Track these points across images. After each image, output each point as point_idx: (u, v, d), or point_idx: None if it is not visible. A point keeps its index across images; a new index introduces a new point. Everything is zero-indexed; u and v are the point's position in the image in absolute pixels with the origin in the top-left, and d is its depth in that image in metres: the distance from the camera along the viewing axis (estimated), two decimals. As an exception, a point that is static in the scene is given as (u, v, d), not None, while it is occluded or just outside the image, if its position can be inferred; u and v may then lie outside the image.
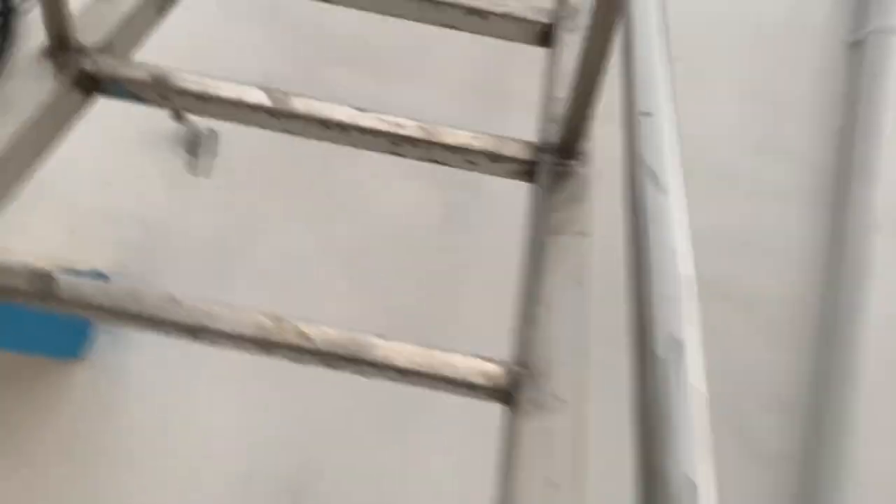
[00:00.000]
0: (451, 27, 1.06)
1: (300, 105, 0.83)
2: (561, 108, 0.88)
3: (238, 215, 1.55)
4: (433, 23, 1.06)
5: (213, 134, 1.56)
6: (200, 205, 1.55)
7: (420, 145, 0.84)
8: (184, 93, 0.83)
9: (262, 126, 0.85)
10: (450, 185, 1.57)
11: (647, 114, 0.42)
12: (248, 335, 0.61)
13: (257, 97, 0.83)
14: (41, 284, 0.65)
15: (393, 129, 0.83)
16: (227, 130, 1.58)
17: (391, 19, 1.09)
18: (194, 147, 1.56)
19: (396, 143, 0.84)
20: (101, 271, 1.49)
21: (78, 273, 1.42)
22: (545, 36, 1.05)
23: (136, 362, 1.47)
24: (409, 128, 0.83)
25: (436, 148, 0.83)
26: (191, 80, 0.83)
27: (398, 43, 1.64)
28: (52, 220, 1.52)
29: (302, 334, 0.61)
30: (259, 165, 1.58)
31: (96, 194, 1.54)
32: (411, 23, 1.08)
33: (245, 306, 0.62)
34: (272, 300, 1.51)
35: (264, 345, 0.62)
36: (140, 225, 1.53)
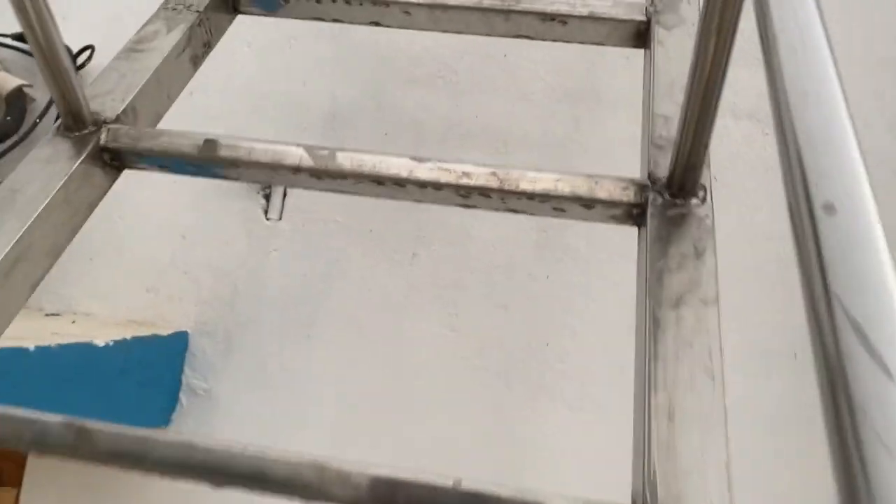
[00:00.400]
0: (527, 38, 0.90)
1: (347, 161, 0.69)
2: (669, 130, 0.70)
3: (318, 258, 1.44)
4: (505, 35, 0.90)
5: (285, 174, 1.46)
6: (279, 250, 1.46)
7: (493, 195, 0.68)
8: (216, 160, 0.71)
9: (307, 187, 0.73)
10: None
11: (830, 207, 0.25)
12: (284, 486, 0.48)
13: (297, 157, 0.70)
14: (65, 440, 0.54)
15: (459, 180, 0.68)
16: (299, 168, 1.48)
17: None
18: (268, 191, 1.47)
19: (465, 196, 0.69)
20: (183, 331, 1.42)
21: (159, 337, 1.35)
22: (639, 35, 0.87)
23: (223, 425, 1.39)
24: (479, 176, 0.68)
25: (512, 197, 0.68)
26: (223, 146, 0.71)
27: (473, 51, 1.49)
28: (129, 279, 1.46)
29: (349, 483, 0.47)
30: (335, 199, 1.46)
31: (172, 249, 1.47)
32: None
33: (277, 450, 0.49)
34: (361, 348, 1.40)
35: (305, 494, 0.48)
36: (219, 277, 1.45)
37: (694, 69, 0.58)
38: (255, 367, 1.42)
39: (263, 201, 1.47)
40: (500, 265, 1.40)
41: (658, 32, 0.82)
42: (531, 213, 0.70)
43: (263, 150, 0.70)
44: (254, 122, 1.50)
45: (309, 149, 0.70)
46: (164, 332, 1.37)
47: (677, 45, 0.80)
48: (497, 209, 0.70)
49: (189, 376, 1.42)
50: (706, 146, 0.61)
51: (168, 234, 1.48)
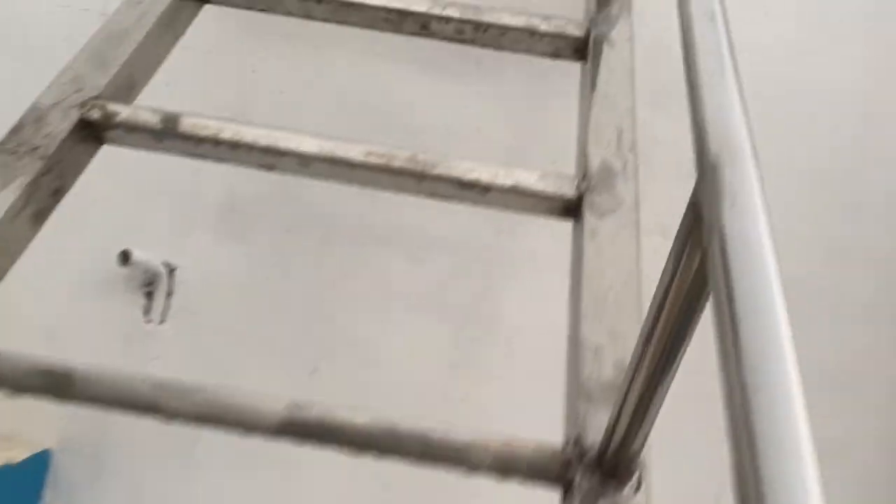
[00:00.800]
0: (443, 200, 0.79)
1: (204, 405, 0.56)
2: (599, 367, 0.60)
3: (205, 369, 1.29)
4: (417, 195, 0.79)
5: (170, 270, 1.30)
6: (160, 357, 1.29)
7: (395, 452, 0.56)
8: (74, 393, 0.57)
9: (165, 423, 0.59)
10: (462, 316, 1.30)
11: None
12: None
13: (145, 392, 0.56)
14: None
15: (355, 437, 0.56)
16: (187, 265, 1.32)
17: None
18: (150, 289, 1.30)
19: (361, 448, 0.57)
20: (44, 451, 1.24)
21: (11, 467, 1.17)
22: (568, 209, 0.76)
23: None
24: (379, 429, 0.56)
25: (411, 455, 0.56)
26: (62, 374, 0.57)
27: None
28: (-14, 387, 1.27)
29: None
30: (228, 302, 1.32)
31: (39, 351, 1.28)
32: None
33: None
34: (250, 476, 1.25)
35: None
36: (90, 386, 1.28)
37: (651, 317, 0.47)
38: (128, 492, 1.26)
39: (145, 300, 1.31)
40: (411, 384, 1.28)
41: (589, 219, 0.72)
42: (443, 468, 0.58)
43: (114, 379, 0.56)
44: (141, 213, 1.33)
45: (159, 385, 0.56)
46: (21, 454, 1.19)
47: (612, 239, 0.70)
48: (399, 460, 0.58)
49: (50, 501, 1.25)
50: (650, 429, 0.51)
51: (32, 333, 1.29)
